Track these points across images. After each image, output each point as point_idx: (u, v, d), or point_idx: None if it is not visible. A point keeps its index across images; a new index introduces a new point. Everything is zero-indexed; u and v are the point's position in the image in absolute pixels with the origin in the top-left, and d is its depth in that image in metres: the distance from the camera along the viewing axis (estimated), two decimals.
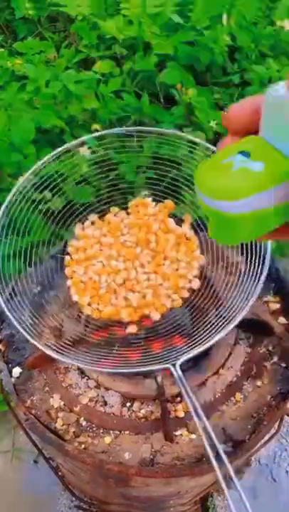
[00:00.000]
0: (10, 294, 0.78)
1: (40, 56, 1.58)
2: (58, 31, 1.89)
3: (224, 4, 1.57)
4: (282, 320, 0.91)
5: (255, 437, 0.76)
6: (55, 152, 0.86)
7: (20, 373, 0.83)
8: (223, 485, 0.57)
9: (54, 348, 0.73)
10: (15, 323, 0.71)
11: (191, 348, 0.72)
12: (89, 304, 0.81)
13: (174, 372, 0.68)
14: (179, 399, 0.81)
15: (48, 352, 0.70)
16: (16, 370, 0.83)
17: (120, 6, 1.56)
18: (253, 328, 0.87)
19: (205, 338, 0.73)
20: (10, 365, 0.84)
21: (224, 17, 1.51)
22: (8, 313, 0.72)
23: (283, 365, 0.85)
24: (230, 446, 0.75)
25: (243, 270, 0.82)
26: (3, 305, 0.73)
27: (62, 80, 1.40)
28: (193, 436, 0.77)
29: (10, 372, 0.83)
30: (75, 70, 1.48)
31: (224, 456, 0.60)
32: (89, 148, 1.39)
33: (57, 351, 0.72)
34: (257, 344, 0.88)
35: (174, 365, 0.69)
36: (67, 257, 0.86)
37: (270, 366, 0.85)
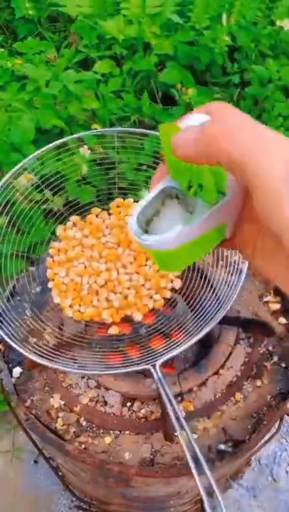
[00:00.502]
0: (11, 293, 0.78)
1: (40, 56, 1.58)
2: (58, 31, 1.89)
3: (224, 4, 1.57)
4: (282, 320, 0.91)
5: (255, 437, 0.76)
6: (52, 144, 0.86)
7: (21, 373, 0.83)
8: (204, 495, 0.56)
9: (38, 352, 0.73)
10: None
11: (171, 349, 0.72)
12: (70, 306, 0.81)
13: (154, 374, 0.68)
14: (179, 399, 0.81)
15: (31, 356, 0.71)
16: (17, 370, 0.83)
17: (120, 6, 1.56)
18: (253, 328, 0.87)
19: (184, 338, 0.73)
20: (10, 365, 0.84)
21: (224, 17, 1.51)
22: None
23: (283, 365, 0.85)
24: (230, 446, 0.75)
25: (221, 277, 0.83)
26: None
27: (62, 80, 1.40)
28: (193, 436, 0.77)
29: (10, 372, 0.83)
30: (75, 70, 1.48)
31: (205, 466, 0.60)
32: (89, 148, 1.39)
33: (39, 355, 0.72)
34: (257, 344, 0.88)
35: (153, 366, 0.69)
36: (48, 259, 0.85)
37: (270, 366, 0.85)
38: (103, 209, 0.89)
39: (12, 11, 1.86)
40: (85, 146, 1.39)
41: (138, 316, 0.79)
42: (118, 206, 0.89)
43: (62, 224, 0.88)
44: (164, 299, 0.82)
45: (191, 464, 0.59)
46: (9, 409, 0.89)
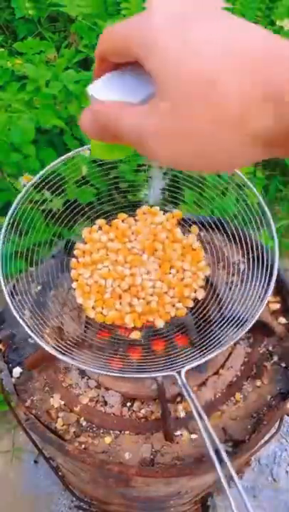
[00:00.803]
0: (11, 292, 0.78)
1: (40, 56, 1.58)
2: (58, 31, 1.89)
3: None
4: (282, 320, 0.91)
5: (255, 437, 0.76)
6: (64, 157, 0.87)
7: (21, 373, 0.83)
8: (225, 484, 0.57)
9: (57, 348, 0.73)
10: (21, 321, 0.71)
11: (197, 356, 0.72)
12: (93, 308, 0.82)
13: (179, 381, 0.68)
14: (179, 399, 0.81)
15: (54, 353, 0.70)
16: (16, 370, 0.83)
17: (120, 6, 1.56)
18: (253, 328, 0.87)
19: (210, 346, 0.73)
20: (10, 365, 0.84)
21: None
22: (14, 313, 0.72)
23: (283, 365, 0.85)
24: (230, 446, 0.75)
25: (249, 280, 0.83)
26: (10, 302, 0.73)
27: (62, 80, 1.40)
28: (193, 436, 0.77)
29: (10, 372, 0.83)
30: (75, 70, 1.48)
31: (226, 457, 0.60)
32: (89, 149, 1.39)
33: (61, 352, 0.72)
34: (257, 344, 0.88)
35: (178, 373, 0.69)
36: (73, 260, 0.86)
37: (270, 366, 0.85)
38: (130, 215, 0.90)
39: (12, 11, 1.86)
40: (85, 147, 1.40)
41: (160, 323, 0.80)
42: (144, 213, 0.90)
43: (87, 227, 0.90)
44: (187, 308, 0.82)
45: (212, 454, 0.60)
46: (9, 409, 0.89)
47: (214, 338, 0.75)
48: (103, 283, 0.82)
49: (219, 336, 0.75)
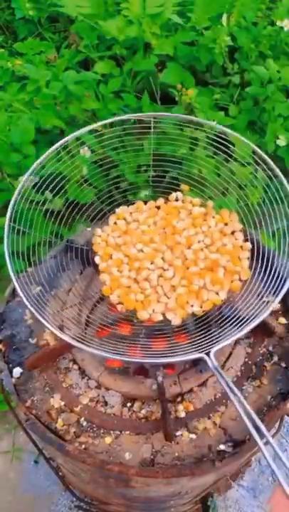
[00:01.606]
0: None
1: (40, 56, 1.58)
2: (58, 32, 1.89)
3: (224, 4, 1.57)
4: (282, 320, 0.91)
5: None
6: (54, 147, 0.87)
7: (21, 373, 0.83)
8: (270, 460, 0.58)
9: (77, 338, 0.73)
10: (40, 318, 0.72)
11: (222, 337, 0.71)
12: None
13: (209, 362, 0.67)
14: (179, 399, 0.81)
15: (74, 343, 0.70)
16: (17, 371, 0.83)
17: (120, 6, 1.56)
18: (254, 328, 0.87)
19: (236, 326, 0.74)
20: (10, 366, 0.84)
21: (224, 17, 1.51)
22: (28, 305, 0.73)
23: (283, 365, 0.85)
24: (230, 446, 0.75)
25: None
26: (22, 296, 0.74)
27: (62, 80, 1.40)
28: (193, 436, 0.77)
29: (10, 372, 0.83)
30: (75, 71, 1.48)
31: (264, 429, 0.61)
32: (89, 149, 1.39)
33: (81, 342, 0.71)
34: (257, 344, 0.88)
35: (208, 354, 0.68)
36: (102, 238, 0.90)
37: (270, 366, 0.85)
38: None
39: (12, 11, 1.86)
40: (86, 148, 1.40)
41: (177, 320, 0.81)
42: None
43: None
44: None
45: (253, 431, 0.61)
46: (9, 409, 0.89)
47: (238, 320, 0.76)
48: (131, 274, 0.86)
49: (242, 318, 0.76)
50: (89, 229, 0.99)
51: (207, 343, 0.71)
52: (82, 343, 0.70)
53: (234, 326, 0.74)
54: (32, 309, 0.71)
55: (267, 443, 0.59)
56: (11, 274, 0.74)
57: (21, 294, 0.73)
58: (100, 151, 1.18)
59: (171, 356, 0.70)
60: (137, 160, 1.13)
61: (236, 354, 0.86)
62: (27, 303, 0.72)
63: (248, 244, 0.89)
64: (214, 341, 0.71)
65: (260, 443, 0.59)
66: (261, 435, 0.60)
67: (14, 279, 0.74)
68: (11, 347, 0.87)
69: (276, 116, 1.53)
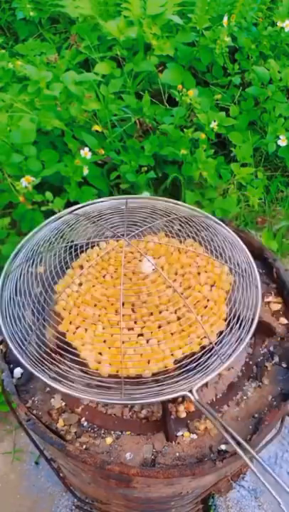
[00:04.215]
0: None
1: (41, 57, 1.58)
2: (58, 32, 1.89)
3: (225, 5, 1.57)
4: (283, 320, 0.91)
5: (256, 438, 0.76)
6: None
7: (22, 374, 0.83)
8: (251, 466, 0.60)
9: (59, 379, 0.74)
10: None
11: (204, 374, 0.73)
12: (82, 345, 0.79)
13: (192, 398, 0.70)
14: (180, 399, 0.81)
15: (55, 385, 0.72)
16: (18, 371, 0.83)
17: (121, 7, 1.57)
18: (255, 328, 0.87)
19: (215, 364, 0.74)
20: (11, 366, 0.84)
21: (225, 18, 1.51)
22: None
23: (284, 365, 0.85)
24: (231, 446, 0.75)
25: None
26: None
27: (63, 81, 1.40)
28: (194, 436, 0.77)
29: (11, 372, 0.83)
30: (75, 71, 1.48)
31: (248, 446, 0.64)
32: (90, 150, 1.39)
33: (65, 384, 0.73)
34: (258, 345, 0.88)
35: (190, 392, 0.70)
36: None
37: (271, 367, 0.85)
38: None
39: (13, 12, 1.86)
40: (86, 149, 1.40)
41: (148, 374, 0.76)
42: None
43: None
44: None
45: (235, 445, 0.65)
46: (10, 410, 0.89)
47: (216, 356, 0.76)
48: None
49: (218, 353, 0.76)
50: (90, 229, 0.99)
51: (189, 380, 0.73)
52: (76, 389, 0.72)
53: (216, 361, 0.75)
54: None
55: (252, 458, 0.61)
56: None
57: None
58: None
59: (155, 395, 0.71)
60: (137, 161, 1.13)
61: (237, 354, 0.86)
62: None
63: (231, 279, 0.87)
64: (197, 379, 0.73)
65: (246, 458, 0.63)
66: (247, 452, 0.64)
67: None
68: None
69: (277, 117, 1.54)
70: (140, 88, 1.59)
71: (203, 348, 0.77)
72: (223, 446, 0.75)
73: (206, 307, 0.81)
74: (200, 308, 0.81)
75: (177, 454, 0.75)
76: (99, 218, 0.90)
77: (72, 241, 0.89)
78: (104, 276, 0.87)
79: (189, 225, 0.90)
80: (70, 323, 0.81)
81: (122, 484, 0.74)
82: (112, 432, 0.78)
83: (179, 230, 0.91)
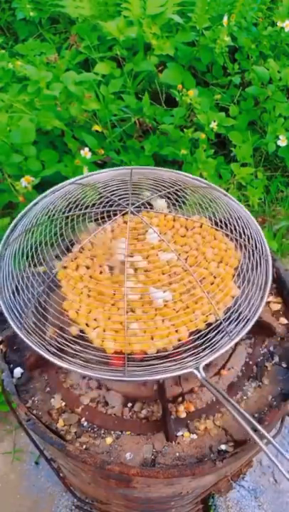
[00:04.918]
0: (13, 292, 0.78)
1: (41, 58, 1.58)
2: (58, 33, 1.89)
3: (225, 5, 1.57)
4: (283, 320, 0.91)
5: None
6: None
7: (22, 374, 0.83)
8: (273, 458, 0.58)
9: (59, 354, 0.72)
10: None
11: (210, 351, 0.71)
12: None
13: (198, 375, 0.68)
14: (180, 399, 0.81)
15: (53, 359, 0.70)
16: (18, 371, 0.83)
17: (121, 7, 1.57)
18: (254, 328, 0.87)
19: (223, 341, 0.73)
20: (11, 366, 0.84)
21: (225, 18, 1.51)
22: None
23: (284, 365, 0.85)
24: (231, 447, 0.75)
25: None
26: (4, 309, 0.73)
27: (63, 81, 1.41)
28: (194, 436, 0.77)
29: (11, 372, 0.83)
30: (75, 72, 1.48)
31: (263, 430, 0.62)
32: (90, 150, 1.39)
33: (65, 359, 0.71)
34: (258, 344, 0.88)
35: (197, 369, 0.69)
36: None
37: (271, 367, 0.85)
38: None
39: (13, 12, 1.86)
40: (86, 149, 1.40)
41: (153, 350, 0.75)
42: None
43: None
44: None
45: (251, 432, 0.62)
46: (10, 409, 0.89)
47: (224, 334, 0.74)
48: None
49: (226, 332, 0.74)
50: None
51: (196, 357, 0.71)
52: (75, 364, 0.70)
53: (224, 338, 0.74)
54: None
55: (268, 443, 0.59)
56: None
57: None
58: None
59: (162, 372, 0.69)
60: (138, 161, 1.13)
61: (237, 354, 0.86)
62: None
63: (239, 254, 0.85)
64: (204, 356, 0.71)
65: (261, 443, 0.59)
66: (261, 436, 0.60)
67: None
68: (11, 347, 0.87)
69: (277, 117, 1.54)
70: (140, 88, 1.59)
71: (208, 325, 0.75)
72: (223, 446, 0.75)
73: (212, 283, 0.79)
74: (206, 285, 0.79)
75: (177, 454, 0.75)
76: (104, 188, 0.87)
77: (80, 209, 0.86)
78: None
79: (193, 195, 0.88)
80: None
81: (122, 484, 0.74)
82: (112, 432, 0.78)
83: (183, 203, 0.89)
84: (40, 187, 1.35)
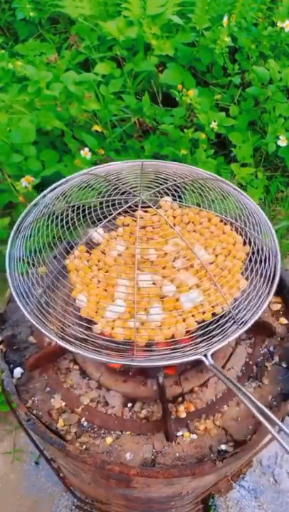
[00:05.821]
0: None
1: (41, 58, 1.58)
2: (58, 33, 1.89)
3: (225, 5, 1.57)
4: (283, 320, 0.91)
5: (256, 438, 0.76)
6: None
7: (22, 374, 0.83)
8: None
9: (70, 340, 0.72)
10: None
11: (220, 339, 0.71)
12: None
13: (207, 362, 0.68)
14: (180, 399, 0.81)
15: (72, 349, 0.69)
16: (18, 371, 0.83)
17: (121, 7, 1.57)
18: (254, 328, 0.87)
19: (231, 329, 0.73)
20: (11, 366, 0.84)
21: (225, 18, 1.51)
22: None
23: (284, 365, 0.85)
24: (231, 446, 0.75)
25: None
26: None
27: (63, 81, 1.41)
28: (194, 436, 0.77)
29: (11, 372, 0.83)
30: (75, 72, 1.48)
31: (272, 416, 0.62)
32: (90, 150, 1.39)
33: (75, 344, 0.70)
34: (258, 345, 0.88)
35: (205, 356, 0.68)
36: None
37: (271, 367, 0.85)
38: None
39: (13, 12, 1.86)
40: (86, 149, 1.40)
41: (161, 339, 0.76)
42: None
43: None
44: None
45: (263, 420, 0.62)
46: (10, 409, 0.89)
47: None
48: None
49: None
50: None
51: (206, 344, 0.71)
52: (81, 348, 0.70)
53: (232, 326, 0.73)
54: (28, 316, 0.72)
55: (280, 430, 0.60)
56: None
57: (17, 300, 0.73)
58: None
59: (170, 359, 0.70)
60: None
61: (237, 354, 0.86)
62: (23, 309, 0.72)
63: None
64: (213, 343, 0.71)
65: (273, 431, 0.59)
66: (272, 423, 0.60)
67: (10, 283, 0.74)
68: (11, 347, 0.87)
69: (277, 117, 1.54)
70: (140, 88, 1.59)
71: (214, 315, 0.75)
72: (223, 446, 0.75)
73: (220, 276, 0.79)
74: (214, 276, 0.79)
75: (177, 454, 0.75)
76: (116, 179, 0.88)
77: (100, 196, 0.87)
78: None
79: (202, 189, 0.89)
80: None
81: (122, 484, 0.74)
82: (112, 432, 0.78)
83: (192, 191, 0.89)
84: (40, 187, 1.35)
